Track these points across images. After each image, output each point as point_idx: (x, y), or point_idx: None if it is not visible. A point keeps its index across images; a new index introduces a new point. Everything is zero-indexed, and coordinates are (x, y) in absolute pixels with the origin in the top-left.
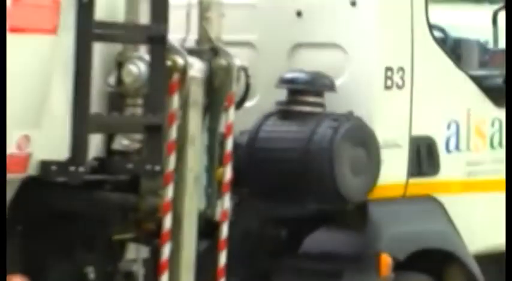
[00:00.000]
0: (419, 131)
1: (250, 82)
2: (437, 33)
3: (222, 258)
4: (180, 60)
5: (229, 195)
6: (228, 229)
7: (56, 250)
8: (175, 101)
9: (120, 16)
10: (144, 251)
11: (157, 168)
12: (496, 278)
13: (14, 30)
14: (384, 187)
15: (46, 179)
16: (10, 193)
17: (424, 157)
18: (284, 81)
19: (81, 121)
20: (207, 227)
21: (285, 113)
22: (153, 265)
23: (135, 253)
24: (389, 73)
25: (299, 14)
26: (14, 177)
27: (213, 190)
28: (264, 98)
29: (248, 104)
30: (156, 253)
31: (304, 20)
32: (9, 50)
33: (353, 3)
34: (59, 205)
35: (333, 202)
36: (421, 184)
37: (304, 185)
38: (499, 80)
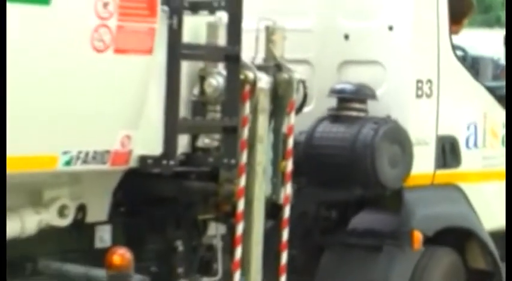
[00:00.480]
0: (444, 131)
1: (307, 92)
2: (459, 52)
3: (285, 234)
4: (250, 75)
5: (291, 183)
6: (289, 211)
7: (152, 227)
8: (247, 107)
9: (202, 39)
10: (222, 229)
11: (233, 161)
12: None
13: (119, 51)
14: (415, 177)
15: (143, 171)
16: (115, 181)
17: (448, 152)
18: (334, 91)
19: (172, 124)
20: (273, 210)
21: (335, 117)
22: (230, 240)
23: (215, 230)
24: (419, 84)
25: (346, 37)
26: (118, 169)
27: (278, 179)
28: (318, 105)
29: (305, 109)
30: (231, 230)
31: (350, 42)
32: (114, 67)
33: (390, 28)
34: (154, 191)
35: (374, 188)
36: (446, 175)
37: (351, 175)
38: None
